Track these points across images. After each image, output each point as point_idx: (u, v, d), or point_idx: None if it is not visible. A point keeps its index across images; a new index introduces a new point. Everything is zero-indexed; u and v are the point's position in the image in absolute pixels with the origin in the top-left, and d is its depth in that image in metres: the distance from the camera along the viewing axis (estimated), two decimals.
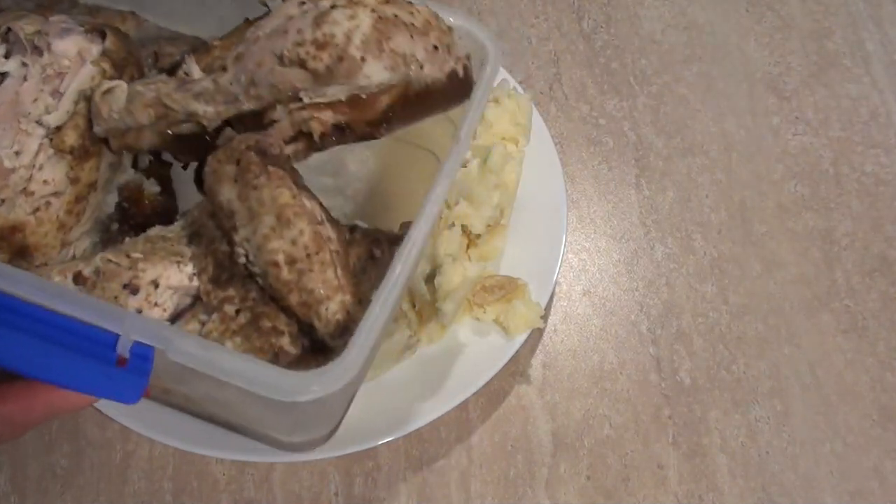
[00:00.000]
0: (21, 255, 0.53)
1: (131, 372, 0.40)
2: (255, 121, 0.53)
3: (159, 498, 0.64)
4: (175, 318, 0.50)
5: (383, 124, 0.52)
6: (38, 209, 0.53)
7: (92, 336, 0.40)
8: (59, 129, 0.53)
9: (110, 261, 0.50)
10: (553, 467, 0.66)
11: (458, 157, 0.51)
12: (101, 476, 0.65)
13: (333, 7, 0.51)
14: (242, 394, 0.41)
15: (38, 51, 0.55)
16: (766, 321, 0.73)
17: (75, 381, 0.39)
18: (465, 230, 0.69)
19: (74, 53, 0.56)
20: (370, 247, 0.53)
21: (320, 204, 0.51)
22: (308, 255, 0.48)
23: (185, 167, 0.58)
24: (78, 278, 0.50)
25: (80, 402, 0.41)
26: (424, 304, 0.65)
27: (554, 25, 0.88)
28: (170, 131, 0.54)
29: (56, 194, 0.54)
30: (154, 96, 0.53)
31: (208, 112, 0.52)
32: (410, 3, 0.53)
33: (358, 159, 0.67)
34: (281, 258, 0.48)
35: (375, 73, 0.50)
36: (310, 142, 0.54)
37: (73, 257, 0.56)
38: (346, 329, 0.48)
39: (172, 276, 0.50)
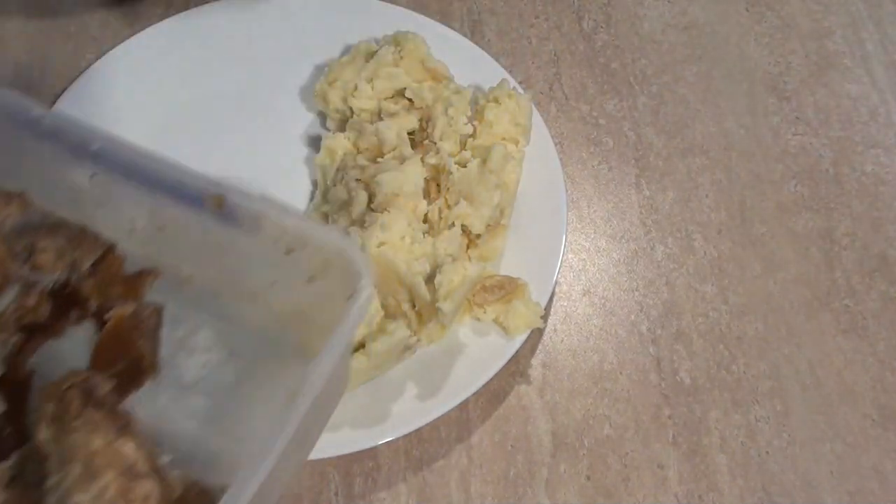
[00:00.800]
0: None
1: None
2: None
3: None
4: None
5: None
6: None
7: None
8: None
9: None
10: (553, 467, 0.66)
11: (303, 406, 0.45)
12: None
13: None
14: None
15: None
16: (766, 321, 0.73)
17: None
18: (465, 230, 0.69)
19: None
20: None
21: (148, 454, 0.46)
22: None
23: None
24: None
25: None
26: (424, 304, 0.65)
27: (554, 25, 0.88)
28: None
29: None
30: None
31: None
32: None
33: (236, 377, 0.60)
34: None
35: None
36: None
37: None
38: None
39: None
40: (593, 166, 0.80)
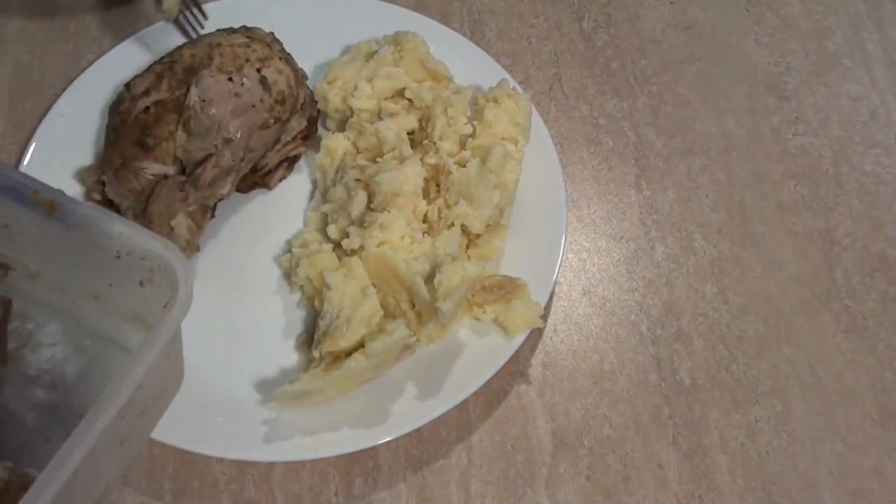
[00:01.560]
0: None
1: None
2: (253, 172, 0.73)
3: (159, 498, 0.64)
4: None
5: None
6: None
7: None
8: None
9: None
10: (553, 467, 0.66)
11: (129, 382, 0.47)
12: None
13: (260, 68, 0.69)
14: None
15: None
16: (766, 321, 0.73)
17: None
18: (464, 230, 0.69)
19: None
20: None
21: None
22: None
23: None
24: None
25: None
26: (424, 304, 0.65)
27: (554, 25, 0.88)
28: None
29: None
30: (191, 207, 0.64)
31: (227, 188, 0.68)
32: None
33: (77, 370, 0.62)
34: None
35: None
36: (292, 163, 0.76)
37: None
38: None
39: None
40: (593, 166, 0.80)
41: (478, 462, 0.66)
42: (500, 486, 0.65)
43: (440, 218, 0.69)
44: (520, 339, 0.66)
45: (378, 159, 0.72)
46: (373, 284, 0.66)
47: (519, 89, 0.75)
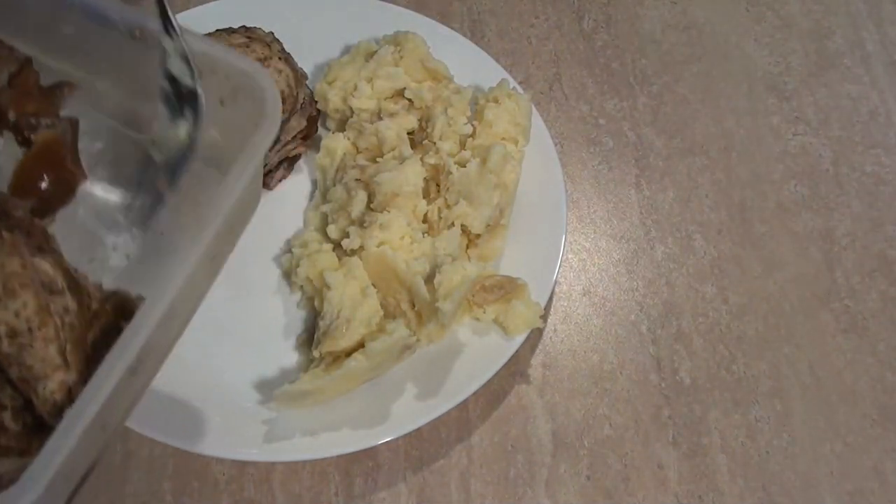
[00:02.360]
0: None
1: None
2: None
3: (159, 498, 0.64)
4: None
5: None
6: None
7: None
8: None
9: None
10: (553, 467, 0.66)
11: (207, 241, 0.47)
12: (101, 476, 0.65)
13: None
14: None
15: None
16: (766, 321, 0.73)
17: None
18: (464, 230, 0.69)
19: None
20: (119, 318, 0.49)
21: (65, 270, 0.48)
22: (30, 329, 0.45)
23: None
24: None
25: None
26: (424, 304, 0.65)
27: (554, 25, 0.88)
28: None
29: None
30: None
31: None
32: None
33: None
34: (2, 330, 0.45)
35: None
36: (292, 163, 0.75)
37: None
38: (63, 410, 0.45)
39: None
40: (593, 166, 0.80)
41: (478, 462, 0.66)
42: (500, 486, 0.65)
43: (440, 218, 0.69)
44: (520, 339, 0.66)
45: (378, 159, 0.72)
46: (373, 284, 0.66)
47: (519, 89, 0.75)
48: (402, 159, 0.70)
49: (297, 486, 0.65)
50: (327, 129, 0.78)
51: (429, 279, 0.64)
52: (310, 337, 0.67)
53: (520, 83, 0.78)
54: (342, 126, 0.76)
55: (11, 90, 0.58)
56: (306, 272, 0.68)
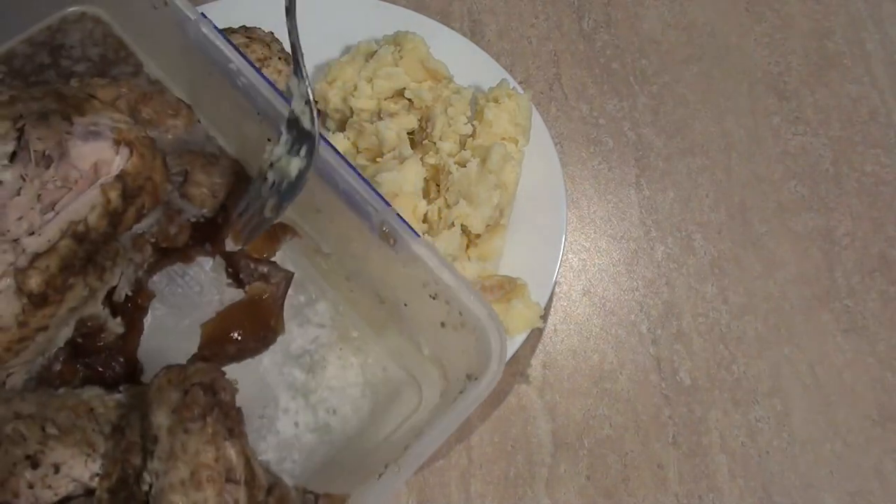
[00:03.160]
0: None
1: None
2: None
3: None
4: None
5: None
6: None
7: None
8: (33, 258, 0.49)
9: (21, 433, 0.48)
10: (553, 467, 0.66)
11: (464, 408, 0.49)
12: None
13: (260, 68, 0.60)
14: None
15: (46, 162, 0.50)
16: (766, 321, 0.73)
17: None
18: (464, 230, 0.69)
19: (90, 165, 0.51)
20: None
21: (247, 459, 0.49)
22: None
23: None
24: None
25: None
26: None
27: (554, 25, 0.88)
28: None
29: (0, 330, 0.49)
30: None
31: None
32: None
33: (339, 363, 0.62)
34: None
35: None
36: None
37: (3, 384, 0.52)
38: None
39: (76, 466, 0.48)
40: (593, 166, 0.80)
41: (478, 462, 0.66)
42: (500, 486, 0.65)
43: (440, 218, 0.69)
44: (520, 339, 0.66)
45: (378, 159, 0.72)
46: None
47: (519, 89, 0.75)
48: (402, 159, 0.70)
49: None
50: (327, 129, 0.78)
51: None
52: None
53: (520, 83, 0.78)
54: (342, 126, 0.76)
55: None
56: None
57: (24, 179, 0.50)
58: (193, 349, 0.59)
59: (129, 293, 0.58)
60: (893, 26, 0.89)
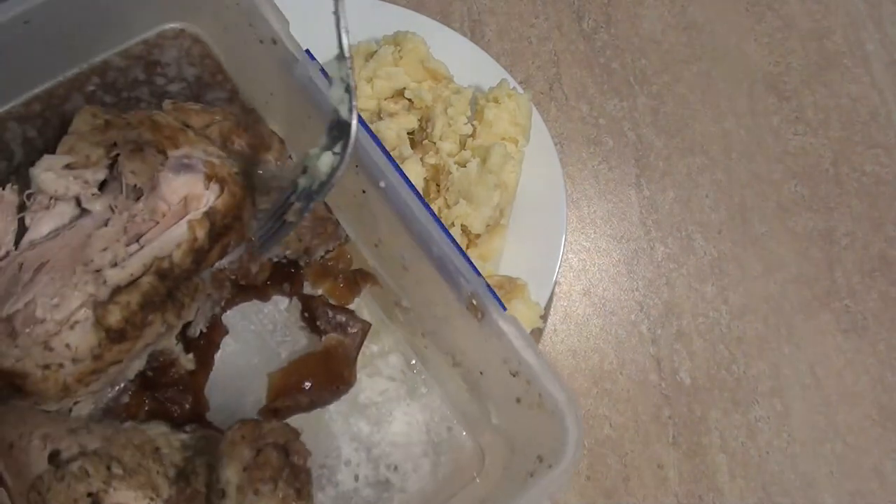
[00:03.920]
0: (15, 390, 0.49)
1: None
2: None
3: None
4: None
5: None
6: (48, 366, 0.48)
7: None
8: (114, 292, 0.48)
9: (85, 470, 0.47)
10: None
11: None
12: None
13: None
14: None
15: (136, 194, 0.49)
16: (766, 321, 0.73)
17: None
18: (464, 230, 0.69)
19: (179, 199, 0.50)
20: None
21: None
22: None
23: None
24: (53, 458, 0.47)
25: None
26: None
27: (554, 25, 0.88)
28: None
29: (74, 361, 0.49)
30: None
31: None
32: None
33: (405, 419, 0.60)
34: None
35: None
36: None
37: (70, 411, 0.51)
38: None
39: None
40: (593, 166, 0.80)
41: None
42: None
43: (440, 218, 0.69)
44: None
45: None
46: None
47: (519, 89, 0.75)
48: (402, 159, 0.70)
49: None
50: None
51: None
52: None
53: (520, 83, 0.78)
54: None
55: (319, 265, 0.59)
56: None
57: (112, 210, 0.49)
58: (261, 389, 0.58)
59: (204, 329, 0.56)
60: (893, 26, 0.89)
